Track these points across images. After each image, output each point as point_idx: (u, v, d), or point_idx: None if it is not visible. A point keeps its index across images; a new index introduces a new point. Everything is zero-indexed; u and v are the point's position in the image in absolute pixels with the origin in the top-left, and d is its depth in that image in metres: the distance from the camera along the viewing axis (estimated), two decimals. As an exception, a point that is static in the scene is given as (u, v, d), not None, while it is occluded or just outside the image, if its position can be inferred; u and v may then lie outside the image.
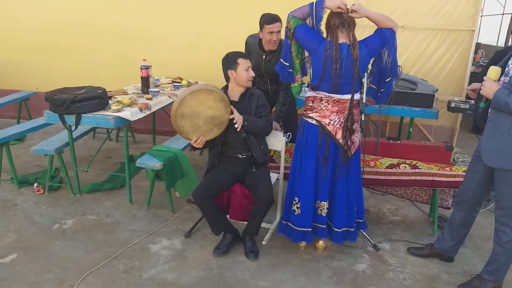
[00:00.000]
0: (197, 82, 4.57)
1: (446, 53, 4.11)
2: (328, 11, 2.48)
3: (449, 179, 3.00)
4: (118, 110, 3.11)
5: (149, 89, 3.74)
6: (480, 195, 2.53)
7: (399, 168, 3.08)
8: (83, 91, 3.13)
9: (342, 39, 2.43)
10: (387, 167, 3.10)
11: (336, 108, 2.52)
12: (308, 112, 2.59)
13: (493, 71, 2.20)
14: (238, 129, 2.62)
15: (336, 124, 2.53)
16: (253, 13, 3.33)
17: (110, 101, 3.30)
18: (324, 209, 2.66)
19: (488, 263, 2.46)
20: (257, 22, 3.16)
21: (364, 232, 2.98)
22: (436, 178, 2.99)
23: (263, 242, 2.87)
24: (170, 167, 3.10)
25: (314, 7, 2.40)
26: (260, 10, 3.23)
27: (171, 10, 4.84)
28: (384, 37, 2.48)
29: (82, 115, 3.04)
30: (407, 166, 3.08)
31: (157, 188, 3.42)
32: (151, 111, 3.41)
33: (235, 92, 2.75)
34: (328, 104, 2.52)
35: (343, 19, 2.42)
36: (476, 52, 7.55)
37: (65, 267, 2.57)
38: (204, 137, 2.62)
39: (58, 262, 2.61)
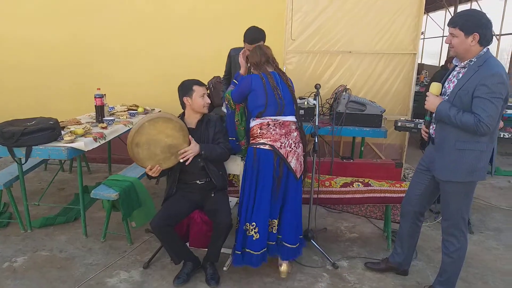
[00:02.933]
0: (153, 110, 4.56)
1: (391, 75, 4.37)
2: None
3: (400, 195, 3.15)
4: (71, 141, 3.04)
5: (103, 118, 3.69)
6: (423, 205, 2.68)
7: (353, 186, 3.21)
8: (33, 122, 3.04)
9: (271, 69, 2.74)
10: (341, 186, 3.21)
11: (283, 130, 2.66)
12: (258, 139, 2.66)
13: (435, 86, 2.39)
14: (186, 164, 2.66)
15: (287, 147, 2.65)
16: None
17: (63, 132, 3.23)
18: (274, 226, 2.73)
19: (439, 274, 2.59)
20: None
21: (322, 251, 3.05)
22: (387, 195, 3.14)
23: (224, 268, 2.85)
24: (126, 197, 3.05)
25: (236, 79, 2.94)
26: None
27: (128, 35, 4.86)
28: None
29: (33, 147, 2.94)
30: (360, 184, 3.21)
31: (114, 219, 3.33)
32: (106, 140, 3.36)
33: (192, 119, 2.78)
34: (276, 127, 2.65)
35: (267, 56, 2.73)
36: (419, 72, 8.06)
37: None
38: (161, 166, 2.62)
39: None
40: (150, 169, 2.61)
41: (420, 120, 3.79)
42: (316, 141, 2.98)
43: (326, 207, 3.60)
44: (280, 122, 2.65)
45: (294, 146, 2.68)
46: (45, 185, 4.12)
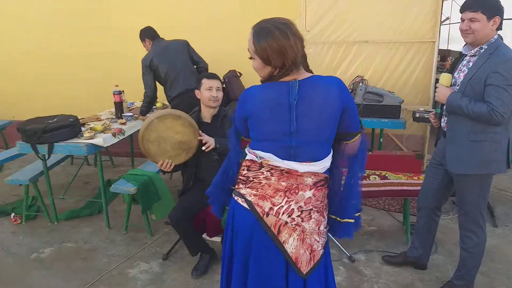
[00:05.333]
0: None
1: (410, 64, 4.27)
2: None
3: (417, 188, 3.09)
4: (91, 137, 3.14)
5: (122, 114, 3.78)
6: (439, 200, 2.62)
7: (369, 179, 3.18)
8: (54, 120, 3.16)
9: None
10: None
11: (284, 183, 1.55)
12: (240, 185, 1.65)
13: (445, 77, 2.32)
14: (205, 150, 2.66)
15: (281, 215, 1.55)
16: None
17: (83, 128, 3.34)
18: None
19: (458, 268, 2.54)
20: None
21: (339, 244, 3.05)
22: (405, 188, 3.09)
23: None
24: (145, 191, 3.13)
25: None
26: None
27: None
28: None
29: (55, 144, 3.06)
30: (377, 177, 3.17)
31: (135, 212, 3.43)
32: (125, 136, 3.45)
33: (206, 113, 2.82)
34: (272, 174, 1.57)
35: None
36: (445, 59, 7.82)
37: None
38: (172, 162, 2.67)
39: (34, 294, 2.61)
40: (161, 165, 2.66)
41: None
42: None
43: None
44: (282, 170, 1.56)
45: (299, 218, 1.54)
46: (71, 179, 4.29)
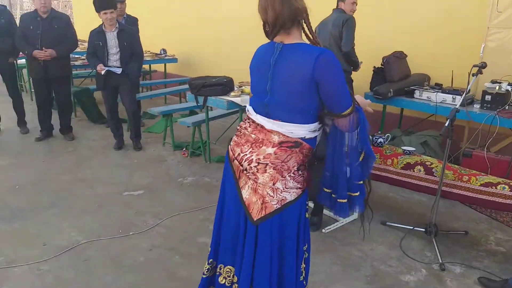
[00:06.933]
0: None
1: None
2: None
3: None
4: (235, 96, 3.77)
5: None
6: None
7: (496, 188, 2.68)
8: (214, 80, 3.91)
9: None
10: (481, 185, 2.73)
11: (254, 136, 1.71)
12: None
13: None
14: None
15: (243, 162, 1.70)
16: None
17: (236, 88, 4.00)
18: (229, 277, 1.84)
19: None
20: None
21: (437, 249, 2.75)
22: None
23: (324, 230, 3.03)
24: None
25: None
26: None
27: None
28: None
29: (208, 97, 3.83)
30: (507, 187, 2.64)
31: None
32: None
33: None
34: (250, 126, 1.74)
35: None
36: None
37: (165, 206, 3.39)
38: None
39: (163, 203, 3.46)
40: None
41: None
42: (446, 125, 2.62)
43: (470, 206, 3.11)
44: (256, 123, 1.70)
45: (255, 168, 1.65)
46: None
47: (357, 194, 1.72)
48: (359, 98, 1.78)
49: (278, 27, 1.58)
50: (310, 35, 1.62)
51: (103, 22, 4.22)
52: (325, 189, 1.76)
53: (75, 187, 3.72)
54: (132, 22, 5.11)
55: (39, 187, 3.69)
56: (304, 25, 1.61)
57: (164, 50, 7.06)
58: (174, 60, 6.98)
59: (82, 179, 3.89)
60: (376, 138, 3.13)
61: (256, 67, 1.71)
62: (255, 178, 1.66)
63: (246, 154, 1.68)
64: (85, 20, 7.49)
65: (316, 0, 2.12)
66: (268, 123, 1.65)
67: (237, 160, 1.71)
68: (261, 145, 1.66)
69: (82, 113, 5.84)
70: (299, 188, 1.70)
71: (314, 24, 3.25)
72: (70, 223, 3.11)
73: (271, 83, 1.63)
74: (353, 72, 4.14)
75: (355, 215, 3.22)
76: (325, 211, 3.18)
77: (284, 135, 1.63)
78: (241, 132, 1.76)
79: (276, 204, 1.66)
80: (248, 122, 1.74)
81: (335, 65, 1.55)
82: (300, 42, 1.61)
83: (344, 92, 1.59)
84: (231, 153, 1.77)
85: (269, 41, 1.67)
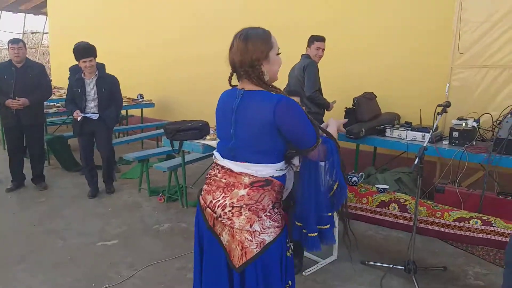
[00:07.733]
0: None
1: None
2: None
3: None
4: (211, 140, 3.79)
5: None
6: None
7: (469, 223, 2.72)
8: (189, 124, 3.93)
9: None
10: (454, 220, 2.77)
11: (224, 180, 1.71)
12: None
13: None
14: None
15: (216, 209, 1.69)
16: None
17: (212, 132, 4.02)
18: None
19: None
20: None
21: (417, 287, 2.73)
22: (504, 239, 2.52)
23: (304, 273, 2.98)
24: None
25: None
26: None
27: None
28: None
29: (184, 141, 3.84)
30: (479, 221, 2.69)
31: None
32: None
33: None
34: (219, 172, 1.74)
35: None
36: None
37: (139, 255, 3.27)
38: None
39: (138, 252, 3.35)
40: None
41: None
42: (416, 162, 2.68)
43: (446, 241, 3.12)
44: (224, 168, 1.71)
45: (230, 212, 1.64)
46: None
47: (327, 226, 1.73)
48: (331, 122, 1.85)
49: (239, 72, 1.65)
50: (264, 83, 1.64)
51: (82, 70, 4.27)
52: (297, 223, 1.77)
53: (46, 239, 3.58)
54: (99, 68, 5.15)
55: (8, 241, 3.53)
56: (261, 73, 1.63)
57: (141, 95, 7.12)
58: (151, 105, 7.04)
59: (53, 230, 3.75)
60: (350, 177, 3.16)
61: (220, 112, 1.75)
62: (231, 223, 1.64)
63: (219, 200, 1.67)
64: (62, 68, 7.54)
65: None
66: (236, 166, 1.67)
67: (210, 207, 1.70)
68: (233, 188, 1.66)
69: (56, 161, 5.73)
70: (277, 227, 1.69)
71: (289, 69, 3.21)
72: (40, 279, 2.96)
73: (234, 128, 1.66)
74: (326, 112, 4.26)
75: (334, 255, 3.20)
76: (306, 253, 3.15)
77: (253, 175, 1.64)
78: (211, 179, 1.76)
79: (255, 248, 1.63)
80: (217, 169, 1.75)
81: (294, 109, 1.60)
82: (260, 89, 1.65)
83: (306, 130, 1.63)
84: (202, 201, 1.76)
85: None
